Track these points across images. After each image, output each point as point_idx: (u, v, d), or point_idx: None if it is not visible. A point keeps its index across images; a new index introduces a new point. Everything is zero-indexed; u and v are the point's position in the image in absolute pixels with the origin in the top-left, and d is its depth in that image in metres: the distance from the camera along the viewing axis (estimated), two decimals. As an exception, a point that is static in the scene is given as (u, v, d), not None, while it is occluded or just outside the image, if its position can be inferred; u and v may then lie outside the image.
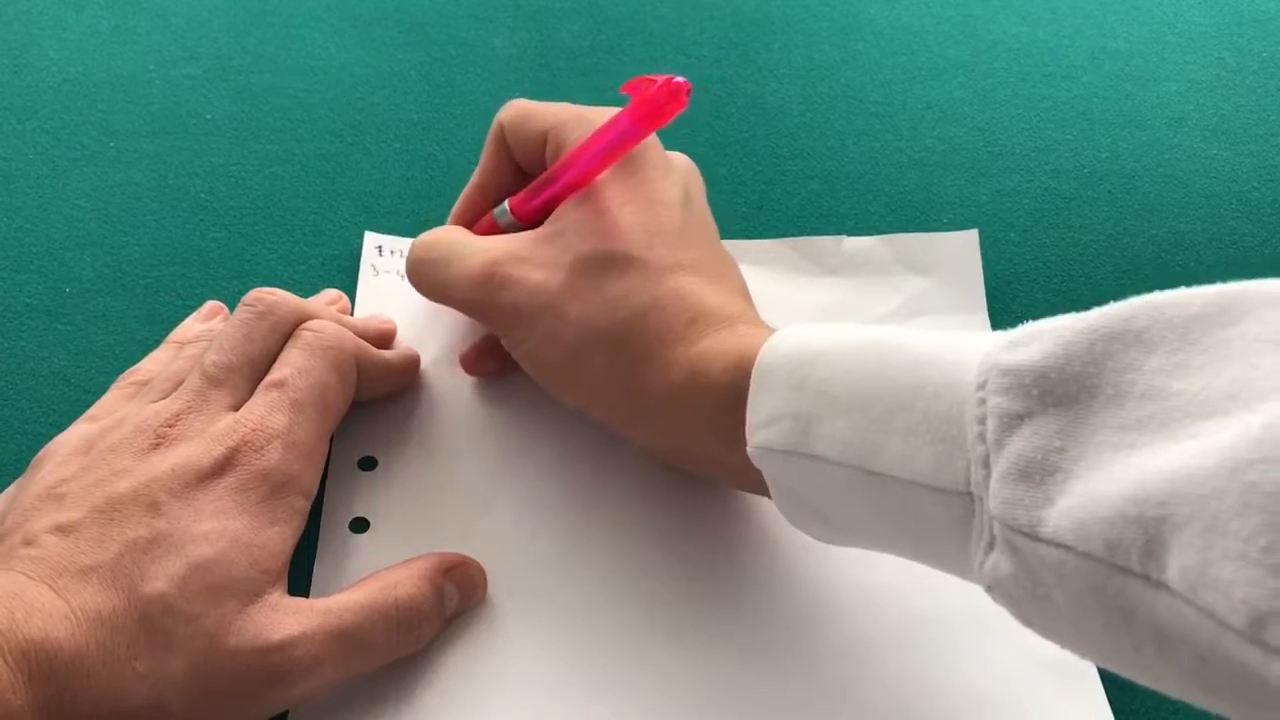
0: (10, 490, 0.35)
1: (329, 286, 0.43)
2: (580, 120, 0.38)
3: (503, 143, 0.41)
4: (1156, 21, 0.57)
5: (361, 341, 0.38)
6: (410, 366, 0.41)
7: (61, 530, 0.31)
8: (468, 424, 0.40)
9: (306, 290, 0.42)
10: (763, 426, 0.31)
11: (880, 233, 0.47)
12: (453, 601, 0.35)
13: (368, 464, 0.39)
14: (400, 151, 0.49)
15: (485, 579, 0.36)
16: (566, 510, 0.38)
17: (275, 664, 0.31)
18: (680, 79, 0.35)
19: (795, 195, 0.49)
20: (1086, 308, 0.45)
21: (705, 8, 0.56)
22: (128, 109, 0.50)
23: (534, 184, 0.39)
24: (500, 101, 0.51)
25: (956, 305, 0.45)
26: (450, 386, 0.41)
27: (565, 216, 0.37)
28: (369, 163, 0.48)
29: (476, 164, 0.48)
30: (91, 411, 0.37)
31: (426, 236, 0.40)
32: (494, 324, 0.38)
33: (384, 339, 0.41)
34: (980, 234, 0.46)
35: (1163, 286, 0.46)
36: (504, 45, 0.54)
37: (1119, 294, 0.45)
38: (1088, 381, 0.26)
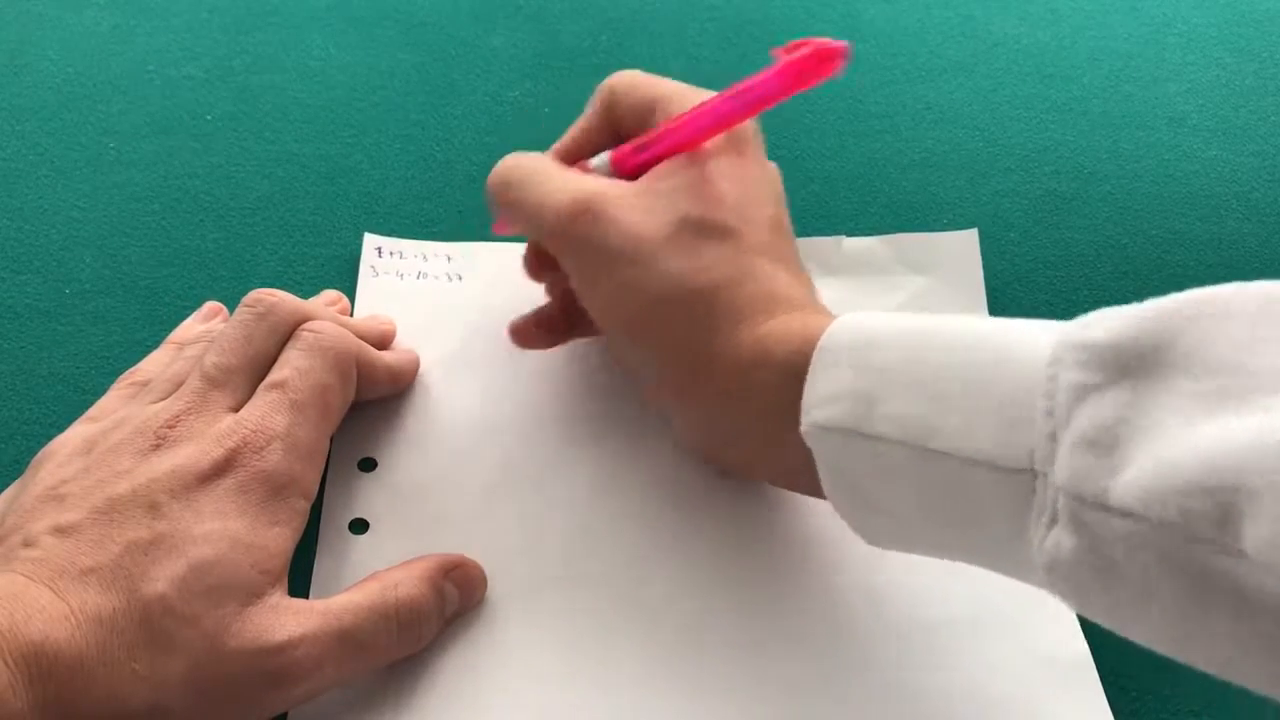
0: (10, 491, 0.35)
1: (329, 287, 0.43)
2: (692, 94, 0.38)
3: (608, 104, 0.40)
4: (1156, 22, 0.57)
5: (361, 342, 0.38)
6: (410, 367, 0.41)
7: (61, 531, 0.31)
8: (468, 424, 0.40)
9: (306, 291, 0.42)
10: (821, 404, 0.31)
11: (880, 233, 0.47)
12: (453, 602, 0.35)
13: (368, 465, 0.39)
14: (400, 151, 0.49)
15: (485, 579, 0.36)
16: (566, 510, 0.38)
17: (275, 665, 0.31)
18: (838, 43, 0.33)
19: (795, 195, 0.48)
20: (1087, 308, 0.45)
21: (705, 8, 0.56)
22: (128, 109, 0.50)
23: (642, 139, 0.38)
24: (500, 101, 0.51)
25: (957, 304, 0.45)
26: (450, 386, 0.41)
27: (669, 176, 0.36)
28: (369, 163, 0.48)
29: (476, 164, 0.49)
30: (91, 412, 0.37)
31: (513, 156, 0.39)
32: (575, 258, 0.37)
33: (384, 340, 0.41)
34: (980, 234, 0.46)
35: (1162, 287, 0.46)
36: (504, 45, 0.54)
37: (1119, 294, 0.46)
38: (1160, 355, 0.26)
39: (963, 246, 0.46)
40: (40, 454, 0.35)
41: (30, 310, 0.43)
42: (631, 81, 0.40)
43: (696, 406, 0.36)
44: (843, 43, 0.33)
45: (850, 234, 0.46)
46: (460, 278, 0.45)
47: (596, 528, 0.38)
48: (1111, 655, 0.36)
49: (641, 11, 0.56)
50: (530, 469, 0.39)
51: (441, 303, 0.44)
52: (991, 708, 0.35)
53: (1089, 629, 0.36)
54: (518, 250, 0.46)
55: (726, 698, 0.34)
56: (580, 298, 0.37)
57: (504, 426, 0.40)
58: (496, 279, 0.45)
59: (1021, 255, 0.47)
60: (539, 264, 0.41)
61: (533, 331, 0.41)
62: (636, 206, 0.36)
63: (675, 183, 0.36)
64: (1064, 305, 0.46)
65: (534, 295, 0.43)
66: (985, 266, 0.46)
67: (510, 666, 0.35)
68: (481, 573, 0.36)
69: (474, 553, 0.36)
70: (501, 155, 0.49)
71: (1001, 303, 0.45)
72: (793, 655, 0.35)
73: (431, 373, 0.41)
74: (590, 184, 0.37)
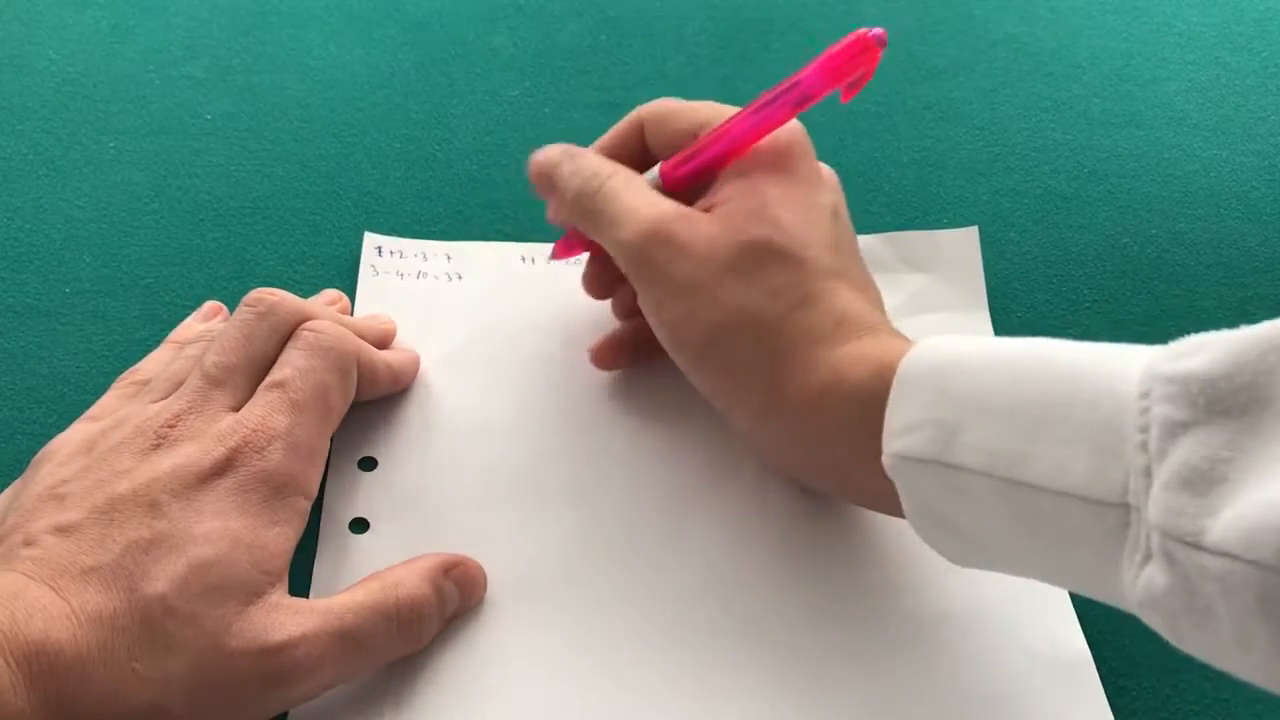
0: (10, 490, 0.35)
1: (329, 286, 0.43)
2: (732, 111, 0.38)
3: (636, 132, 0.40)
4: (1156, 21, 0.57)
5: (362, 342, 0.38)
6: (410, 367, 0.41)
7: (62, 531, 0.31)
8: (468, 423, 0.40)
9: (306, 290, 0.42)
10: (902, 434, 0.30)
11: (881, 231, 0.47)
12: (453, 601, 0.35)
13: (368, 464, 0.39)
14: (400, 151, 0.49)
15: (485, 578, 0.36)
16: (566, 509, 0.38)
17: (276, 665, 0.31)
18: (876, 30, 0.33)
19: (795, 195, 0.48)
20: (1087, 307, 0.45)
21: (705, 7, 0.56)
22: (127, 109, 0.50)
23: (689, 150, 0.38)
24: (500, 101, 0.52)
25: (958, 302, 0.45)
26: (450, 386, 0.41)
27: (728, 201, 0.36)
28: (369, 163, 0.48)
29: (476, 163, 0.49)
30: (92, 411, 0.37)
31: (595, 159, 0.39)
32: (644, 278, 0.37)
33: (384, 339, 0.41)
34: (980, 233, 0.46)
35: (1162, 286, 0.46)
36: (504, 45, 0.54)
37: (1119, 293, 0.46)
38: (1258, 392, 0.25)
39: (963, 244, 0.46)
40: (40, 453, 0.35)
41: (30, 309, 0.43)
42: (667, 111, 0.40)
43: (773, 433, 0.36)
44: (878, 30, 0.33)
45: (850, 233, 0.46)
46: (460, 277, 0.45)
47: (596, 526, 0.38)
48: (1111, 655, 0.36)
49: (641, 11, 0.56)
50: (530, 468, 0.39)
51: (441, 302, 0.44)
52: (991, 707, 0.35)
53: (1089, 629, 0.36)
54: (517, 250, 0.46)
55: (725, 696, 0.34)
56: (649, 320, 0.37)
57: (504, 426, 0.40)
58: (496, 278, 0.45)
59: (1021, 254, 0.47)
60: (602, 281, 0.41)
61: (611, 354, 0.41)
62: (704, 234, 0.36)
63: (732, 207, 0.36)
64: (1064, 305, 0.46)
65: (533, 295, 0.44)
66: (985, 265, 0.46)
67: (510, 666, 0.35)
68: (481, 572, 0.36)
69: (474, 552, 0.36)
70: (502, 155, 0.49)
71: (1002, 302, 0.45)
72: (792, 652, 0.35)
73: (431, 372, 0.41)
74: (670, 204, 0.37)
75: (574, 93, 0.52)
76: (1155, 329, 0.44)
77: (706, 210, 0.37)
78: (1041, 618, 0.36)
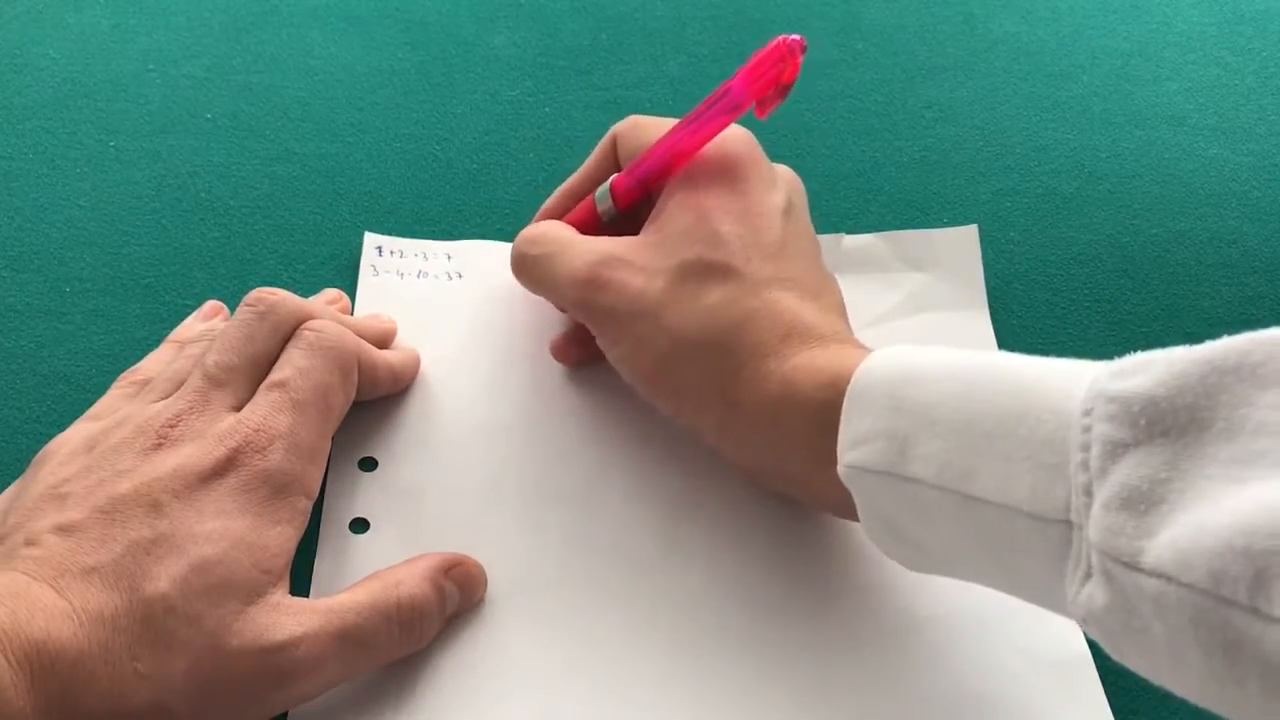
0: (11, 490, 0.35)
1: (329, 286, 0.43)
2: None
3: (612, 151, 0.41)
4: (1156, 21, 0.57)
5: (362, 341, 0.38)
6: (411, 366, 0.41)
7: (64, 530, 0.31)
8: (468, 423, 0.40)
9: (306, 290, 0.42)
10: (855, 445, 0.31)
11: (880, 231, 0.47)
12: (453, 600, 0.35)
13: (368, 464, 0.39)
14: (400, 151, 0.49)
15: (485, 578, 0.36)
16: (566, 509, 0.38)
17: (277, 664, 0.31)
18: (794, 36, 0.34)
19: (795, 195, 0.49)
20: (1087, 307, 0.45)
21: (705, 7, 0.56)
22: (127, 108, 0.50)
23: (634, 162, 0.39)
24: (500, 101, 0.52)
25: (957, 301, 0.45)
26: (450, 386, 0.41)
27: (667, 224, 0.37)
28: (369, 163, 0.48)
29: (477, 163, 0.49)
30: (93, 411, 0.37)
31: (531, 230, 0.40)
32: (592, 324, 0.38)
33: (384, 339, 0.41)
34: (980, 233, 0.46)
35: (1162, 285, 0.46)
36: (504, 45, 0.54)
37: (1119, 293, 0.46)
38: (1198, 414, 0.25)
39: (962, 243, 0.46)
40: (41, 453, 0.35)
41: (30, 308, 0.43)
42: (633, 125, 0.41)
43: (732, 446, 0.36)
44: (797, 36, 0.34)
45: (850, 232, 0.46)
46: (460, 276, 0.45)
47: (596, 526, 0.38)
48: (1112, 654, 0.36)
49: (641, 11, 0.56)
50: (530, 468, 0.39)
51: (442, 301, 0.44)
52: (991, 707, 0.35)
53: (1089, 628, 0.36)
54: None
55: (724, 696, 0.34)
56: (608, 358, 0.38)
57: (504, 426, 0.40)
58: (496, 277, 0.44)
59: (1022, 254, 0.47)
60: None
61: (569, 348, 0.41)
62: (636, 264, 0.37)
63: (671, 230, 0.37)
64: (1064, 304, 0.46)
65: (533, 295, 0.43)
66: (985, 265, 0.46)
67: (510, 666, 0.35)
68: (482, 571, 0.36)
69: (474, 551, 0.36)
70: (502, 155, 0.49)
71: (1002, 301, 0.45)
72: (792, 652, 0.35)
73: (431, 372, 0.41)
74: (596, 249, 0.37)
75: (574, 93, 0.52)
76: (1155, 329, 0.44)
77: (652, 237, 0.37)
78: (1041, 617, 0.36)
